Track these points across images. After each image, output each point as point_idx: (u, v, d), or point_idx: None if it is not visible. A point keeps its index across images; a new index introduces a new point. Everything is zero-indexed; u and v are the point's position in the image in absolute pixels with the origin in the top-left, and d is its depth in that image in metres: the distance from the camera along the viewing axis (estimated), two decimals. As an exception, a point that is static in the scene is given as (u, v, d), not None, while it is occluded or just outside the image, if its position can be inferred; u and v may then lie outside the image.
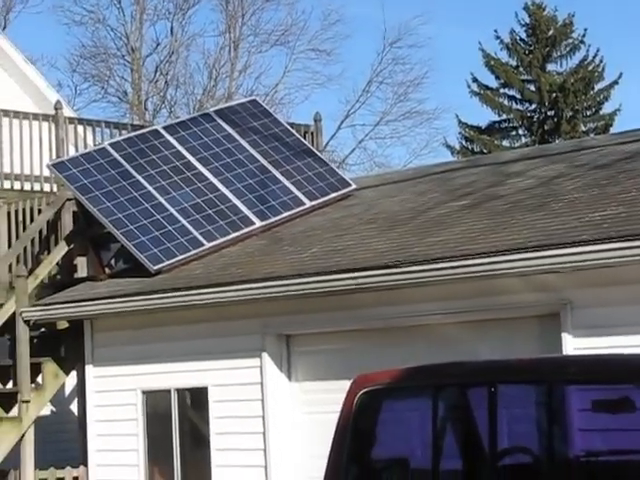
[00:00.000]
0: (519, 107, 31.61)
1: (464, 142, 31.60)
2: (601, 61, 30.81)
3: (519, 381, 5.62)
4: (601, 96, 30.99)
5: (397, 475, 5.98)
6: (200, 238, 11.59)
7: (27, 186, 14.14)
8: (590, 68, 30.78)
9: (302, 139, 13.93)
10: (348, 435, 5.95)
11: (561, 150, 13.23)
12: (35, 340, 12.30)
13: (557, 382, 5.49)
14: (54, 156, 13.65)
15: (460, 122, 31.29)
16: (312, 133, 15.17)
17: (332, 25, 32.16)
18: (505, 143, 30.84)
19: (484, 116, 32.04)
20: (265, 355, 10.68)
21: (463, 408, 5.84)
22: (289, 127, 14.12)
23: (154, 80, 32.09)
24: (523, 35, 31.49)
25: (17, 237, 12.87)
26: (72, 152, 13.89)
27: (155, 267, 11.09)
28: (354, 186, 13.13)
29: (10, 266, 12.49)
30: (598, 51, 30.63)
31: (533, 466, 5.40)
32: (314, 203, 12.60)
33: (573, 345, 8.77)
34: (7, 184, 14.07)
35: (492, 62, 30.96)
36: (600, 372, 5.43)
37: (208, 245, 11.57)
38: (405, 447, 6.04)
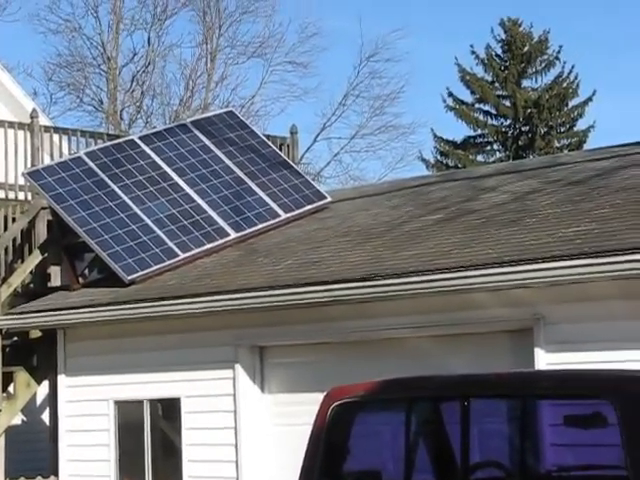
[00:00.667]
0: (494, 122, 31.76)
1: (439, 156, 31.71)
2: (576, 78, 31.02)
3: (492, 395, 5.61)
4: (575, 112, 31.15)
5: (369, 488, 5.95)
6: (175, 249, 11.60)
7: (1, 194, 14.18)
8: (565, 85, 31.02)
9: (278, 151, 13.94)
10: (321, 447, 5.93)
11: (535, 166, 13.37)
12: (7, 349, 12.19)
13: (529, 397, 5.51)
14: (29, 164, 13.72)
15: (435, 136, 31.35)
16: (288, 145, 15.13)
17: (309, 38, 32.20)
18: (480, 158, 31.03)
19: (459, 131, 32.14)
20: (238, 367, 10.66)
21: (436, 422, 5.82)
22: (265, 139, 14.09)
23: (130, 90, 31.98)
24: (499, 51, 31.67)
25: None
26: (47, 161, 13.89)
27: (129, 277, 11.08)
28: (329, 199, 13.17)
29: None
30: (573, 68, 30.85)
31: (505, 480, 5.57)
32: (289, 215, 12.59)
33: (546, 360, 8.81)
34: None
35: (468, 77, 31.18)
36: (572, 387, 5.41)
37: (183, 256, 11.57)
38: (377, 460, 6.02)
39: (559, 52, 31.22)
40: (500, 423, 5.64)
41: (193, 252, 11.58)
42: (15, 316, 12.09)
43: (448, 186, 13.03)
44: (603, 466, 5.18)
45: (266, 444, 10.70)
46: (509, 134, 30.95)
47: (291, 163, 13.97)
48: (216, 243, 11.83)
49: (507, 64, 31.38)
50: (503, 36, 31.68)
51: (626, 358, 8.28)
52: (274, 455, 10.33)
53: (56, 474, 11.83)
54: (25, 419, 14.43)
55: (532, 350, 8.96)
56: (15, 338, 12.55)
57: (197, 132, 13.04)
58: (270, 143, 14.06)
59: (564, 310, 8.86)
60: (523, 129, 30.53)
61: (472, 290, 9.04)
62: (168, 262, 11.44)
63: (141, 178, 12.28)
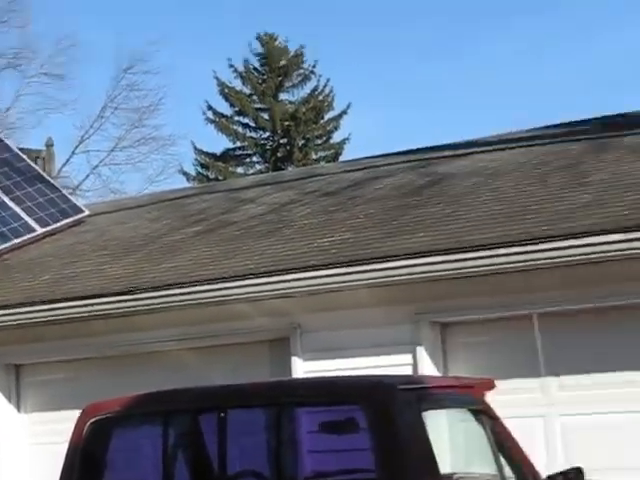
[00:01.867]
0: (253, 135, 32.37)
1: (200, 169, 31.99)
2: (331, 91, 32.10)
3: (249, 405, 5.69)
4: (331, 125, 32.18)
5: (127, 504, 5.91)
6: None
7: None
8: (320, 98, 31.99)
9: (33, 164, 13.89)
10: (77, 465, 5.87)
11: (292, 177, 13.88)
12: None
13: (286, 405, 5.62)
14: None
15: (196, 149, 31.71)
16: (44, 158, 15.49)
17: (66, 49, 31.30)
18: (240, 170, 31.36)
19: (220, 143, 32.71)
20: (-7, 386, 10.68)
21: (193, 434, 5.86)
22: (19, 152, 14.00)
23: None
24: (257, 64, 32.35)
25: None
26: None
27: None
28: (87, 212, 13.36)
29: None
30: (328, 81, 31.90)
31: (264, 489, 5.62)
32: (45, 230, 12.48)
33: (303, 368, 9.07)
34: None
35: (226, 90, 31.58)
36: (326, 394, 5.60)
37: None
38: (136, 475, 6.03)
39: (314, 66, 32.19)
40: (258, 432, 5.73)
41: None
42: None
43: (207, 198, 13.23)
44: (357, 470, 5.32)
45: (22, 464, 10.40)
46: (268, 146, 31.57)
47: (46, 177, 13.90)
48: None
49: (265, 77, 32.10)
50: (260, 50, 31.99)
51: (378, 364, 8.49)
52: (30, 475, 10.08)
53: None
54: None
55: (290, 359, 9.12)
56: None
57: None
58: (25, 156, 13.95)
59: (320, 319, 9.02)
60: (281, 141, 31.13)
61: (230, 301, 9.06)
62: None
63: None
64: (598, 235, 7.88)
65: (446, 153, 11.97)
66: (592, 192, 9.00)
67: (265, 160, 31.40)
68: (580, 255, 7.76)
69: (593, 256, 7.79)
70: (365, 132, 41.98)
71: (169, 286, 9.29)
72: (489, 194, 9.93)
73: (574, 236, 7.86)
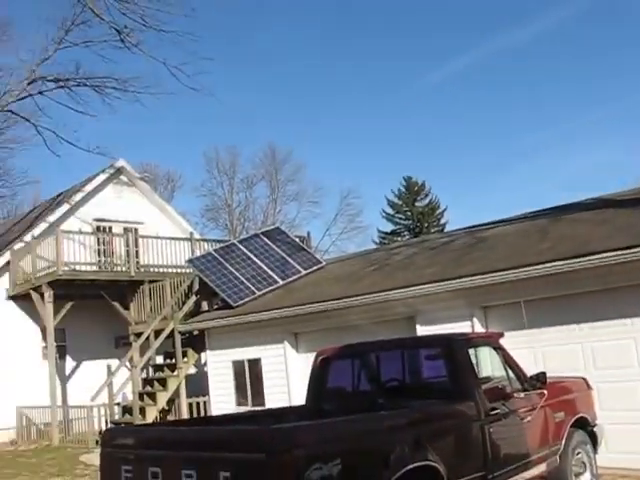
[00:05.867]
0: (405, 222, 54.86)
1: (380, 239, 53.20)
2: (438, 200, 54.96)
3: (395, 349, 7.71)
4: (438, 216, 54.31)
5: None
6: (253, 289, 16.98)
7: (179, 270, 20.87)
8: (434, 204, 54.59)
9: (300, 243, 19.53)
10: (314, 378, 7.98)
11: (417, 242, 18.01)
12: (183, 339, 18.12)
13: (411, 348, 7.71)
14: (189, 255, 20.53)
15: (378, 230, 55.14)
16: (304, 240, 21.10)
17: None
18: (398, 239, 49.70)
19: (389, 226, 55.13)
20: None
21: (368, 363, 7.81)
22: (294, 238, 19.64)
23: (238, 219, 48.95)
24: (403, 190, 55.14)
25: (173, 294, 19.05)
26: (197, 253, 20.68)
27: (234, 304, 16.44)
28: (324, 263, 18.53)
29: (172, 307, 18.57)
30: (436, 197, 55.06)
31: None
32: (306, 271, 18.02)
33: (421, 331, 11.98)
34: (170, 269, 20.96)
35: (391, 203, 55.53)
36: (428, 342, 7.75)
37: (258, 293, 16.75)
38: (341, 383, 7.86)
39: (430, 189, 55.10)
40: (398, 361, 7.55)
41: (263, 291, 16.95)
42: (186, 324, 17.45)
43: (377, 254, 17.48)
44: (440, 375, 7.07)
45: (299, 380, 13.70)
46: (410, 227, 50.06)
47: (305, 247, 19.50)
48: (273, 286, 17.17)
49: (408, 195, 54.65)
50: (404, 183, 55.32)
51: (454, 328, 11.23)
52: (302, 384, 11.69)
53: (208, 394, 17.40)
54: (195, 371, 20.86)
55: (415, 327, 12.26)
56: (187, 334, 18.13)
57: (263, 237, 18.92)
58: (297, 239, 19.79)
59: (429, 306, 12.08)
60: (417, 225, 49.31)
61: (389, 300, 12.31)
62: (251, 296, 16.71)
63: (238, 259, 17.95)
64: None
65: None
66: None
67: (410, 235, 50.96)
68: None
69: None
70: (457, 220, 58.81)
71: (354, 296, 12.97)
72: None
73: None
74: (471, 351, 7.15)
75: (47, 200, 28.29)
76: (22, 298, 21.51)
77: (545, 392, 7.67)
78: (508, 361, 7.64)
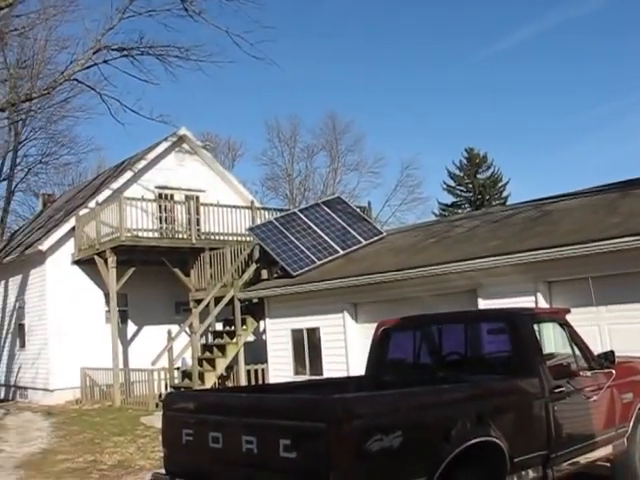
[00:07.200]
0: (466, 195, 54.23)
1: (440, 212, 53.35)
2: (500, 173, 53.92)
3: (456, 322, 7.52)
4: (501, 189, 53.74)
5: None
6: (314, 258, 16.99)
7: (240, 238, 21.08)
8: (496, 177, 53.87)
9: (361, 213, 19.55)
10: (375, 348, 7.84)
11: (480, 214, 17.79)
12: (242, 307, 18.28)
13: (474, 321, 7.40)
14: (250, 224, 20.49)
15: (438, 202, 55.08)
16: (365, 209, 21.06)
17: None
18: (459, 211, 51.33)
19: (450, 199, 54.80)
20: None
21: (428, 335, 7.63)
22: (354, 207, 19.63)
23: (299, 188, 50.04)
24: (465, 162, 54.11)
25: (233, 262, 19.18)
26: (258, 222, 20.72)
27: (294, 273, 16.54)
28: (385, 234, 18.40)
29: (232, 275, 18.73)
30: (499, 169, 53.90)
31: None
32: (367, 242, 17.86)
33: (483, 305, 11.84)
34: (230, 237, 21.12)
35: (453, 175, 54.74)
36: (491, 316, 7.42)
37: (318, 263, 16.76)
38: (401, 354, 7.74)
39: (492, 162, 54.11)
40: (460, 334, 7.31)
41: (323, 261, 17.00)
42: (245, 292, 17.63)
43: (438, 226, 17.30)
44: (503, 350, 6.87)
45: (357, 349, 13.88)
46: (471, 200, 49.64)
47: (366, 217, 19.47)
48: (333, 256, 17.16)
49: (469, 168, 48.83)
50: (466, 155, 54.11)
51: (517, 302, 11.14)
52: (359, 353, 12.82)
53: (266, 362, 17.79)
54: (253, 338, 21.11)
55: (476, 300, 12.18)
56: (246, 302, 18.49)
57: (323, 206, 19.15)
58: (357, 209, 19.74)
59: (491, 280, 11.95)
60: (479, 197, 49.02)
61: (450, 272, 12.15)
62: (311, 266, 16.82)
63: (299, 228, 17.98)
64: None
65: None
66: None
67: (471, 208, 51.09)
68: None
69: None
70: (517, 193, 56.81)
71: (414, 267, 12.91)
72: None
73: None
74: (536, 327, 6.92)
75: (111, 168, 28.50)
76: (86, 263, 21.86)
77: (613, 372, 7.36)
78: (574, 338, 7.39)
